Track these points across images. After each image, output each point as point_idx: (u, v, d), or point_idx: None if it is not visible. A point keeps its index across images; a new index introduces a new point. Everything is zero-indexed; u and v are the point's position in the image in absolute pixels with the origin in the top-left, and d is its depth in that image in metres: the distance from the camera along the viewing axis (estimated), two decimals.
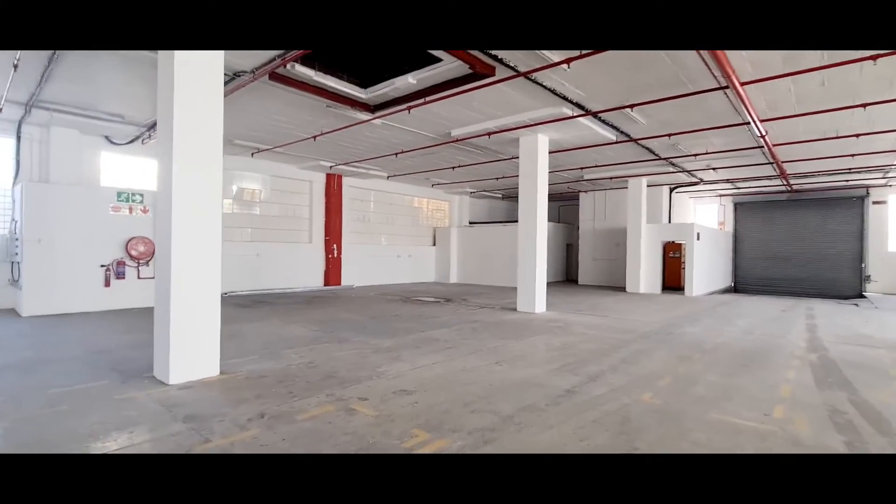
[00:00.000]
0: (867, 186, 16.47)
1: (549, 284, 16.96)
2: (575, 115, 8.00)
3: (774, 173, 14.05)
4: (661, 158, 11.78)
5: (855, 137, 9.10)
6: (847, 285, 17.13)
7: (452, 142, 10.15)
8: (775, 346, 6.30)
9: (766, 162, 12.14)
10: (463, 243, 18.40)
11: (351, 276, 15.18)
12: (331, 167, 13.40)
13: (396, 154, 11.53)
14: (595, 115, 8.15)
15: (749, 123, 8.07)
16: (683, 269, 16.41)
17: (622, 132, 9.35)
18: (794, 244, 18.26)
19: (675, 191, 17.20)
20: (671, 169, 13.19)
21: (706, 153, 10.92)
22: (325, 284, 14.48)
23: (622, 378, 4.58)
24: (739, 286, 19.12)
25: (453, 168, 13.41)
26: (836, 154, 11.09)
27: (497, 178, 15.17)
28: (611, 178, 14.56)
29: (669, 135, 9.17)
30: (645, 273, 14.86)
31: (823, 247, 17.71)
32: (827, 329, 7.94)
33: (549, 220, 21.28)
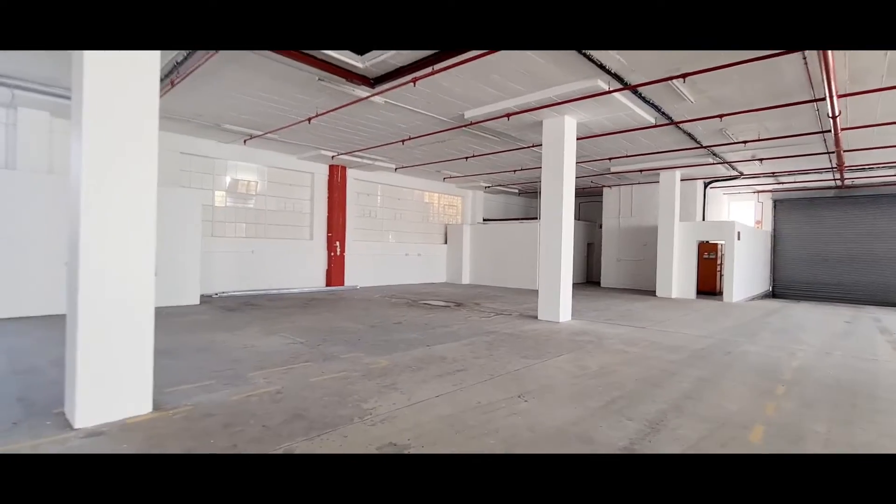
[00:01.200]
0: None
1: None
2: (611, 89, 6.72)
3: (828, 166, 12.52)
4: (701, 147, 10.40)
5: None
6: None
7: (466, 126, 8.95)
8: (871, 374, 4.97)
9: (824, 152, 10.66)
10: (476, 242, 17.18)
11: (355, 275, 14.09)
12: (333, 157, 12.31)
13: (403, 141, 10.36)
14: (635, 89, 6.86)
15: (824, 100, 6.69)
16: (719, 272, 14.96)
17: (663, 113, 8.02)
18: (842, 245, 16.62)
19: (710, 186, 15.72)
20: (710, 160, 11.78)
21: (757, 140, 9.52)
22: (328, 285, 13.41)
23: (694, 426, 3.34)
24: (778, 291, 17.56)
25: (466, 158, 12.19)
26: None
27: (514, 171, 13.91)
28: (640, 170, 13.18)
29: (721, 115, 7.82)
30: (678, 276, 13.45)
31: (875, 248, 16.05)
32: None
33: None
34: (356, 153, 12.01)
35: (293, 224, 13.03)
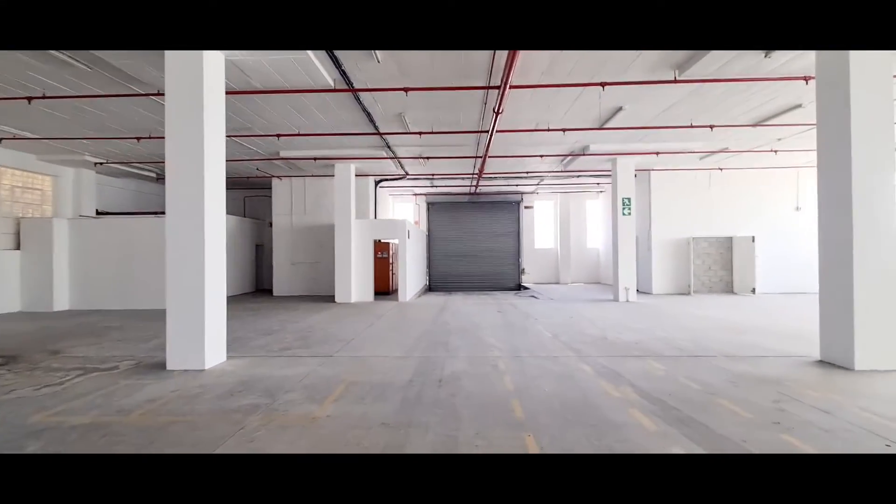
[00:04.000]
0: (522, 193, 19.46)
1: (233, 299, 12.61)
2: None
3: (470, 172, 14.22)
4: (378, 133, 9.42)
5: (562, 132, 9.12)
6: (510, 278, 19.87)
7: None
8: (573, 381, 4.59)
9: (473, 156, 11.71)
10: (82, 245, 11.35)
11: None
12: None
13: None
14: None
15: (498, 88, 6.46)
16: (392, 271, 15.04)
17: (344, 73, 6.28)
18: (473, 243, 19.98)
19: (380, 185, 15.69)
20: (384, 153, 11.18)
21: (430, 132, 9.23)
22: None
23: None
24: (434, 285, 19.60)
25: (29, 101, 7.14)
26: (526, 154, 11.53)
27: (138, 139, 9.49)
28: (315, 158, 11.40)
29: (406, 89, 6.70)
30: (356, 278, 12.44)
31: (492, 245, 20.02)
32: (569, 336, 7.21)
33: (232, 212, 16.29)
34: None
35: None
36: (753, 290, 13.30)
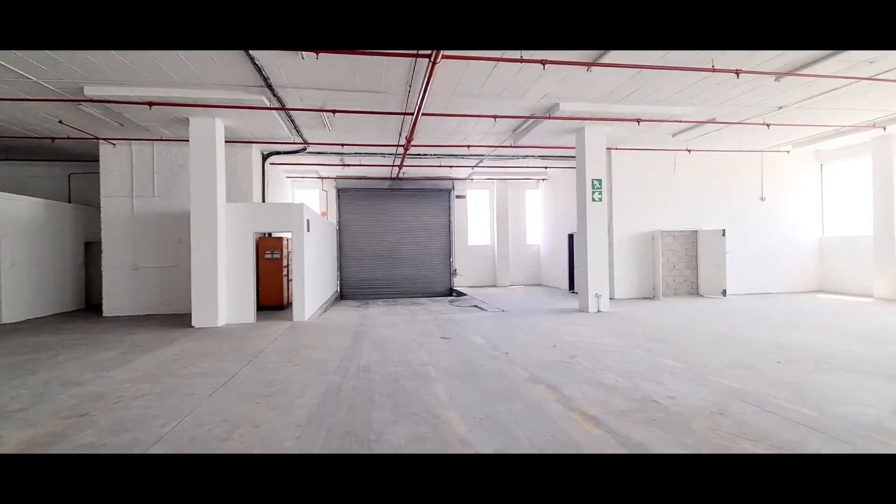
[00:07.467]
0: (453, 179, 16.38)
1: (29, 325, 8.23)
2: None
3: (394, 143, 10.79)
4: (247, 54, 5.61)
5: (541, 66, 6.01)
6: (440, 281, 16.70)
7: None
8: None
9: (401, 112, 8.29)
10: None
11: None
12: None
13: None
14: None
15: None
16: (287, 276, 11.07)
17: None
18: (395, 239, 16.48)
19: (271, 160, 11.61)
20: (265, 100, 7.36)
21: (335, 52, 5.63)
22: None
23: None
24: (346, 292, 15.79)
25: None
26: (476, 113, 8.41)
27: None
28: (150, 103, 7.19)
29: None
30: (228, 289, 8.40)
31: (420, 242, 16.71)
32: (587, 396, 4.13)
33: (48, 195, 10.79)
34: None
35: None
36: (724, 293, 11.48)
